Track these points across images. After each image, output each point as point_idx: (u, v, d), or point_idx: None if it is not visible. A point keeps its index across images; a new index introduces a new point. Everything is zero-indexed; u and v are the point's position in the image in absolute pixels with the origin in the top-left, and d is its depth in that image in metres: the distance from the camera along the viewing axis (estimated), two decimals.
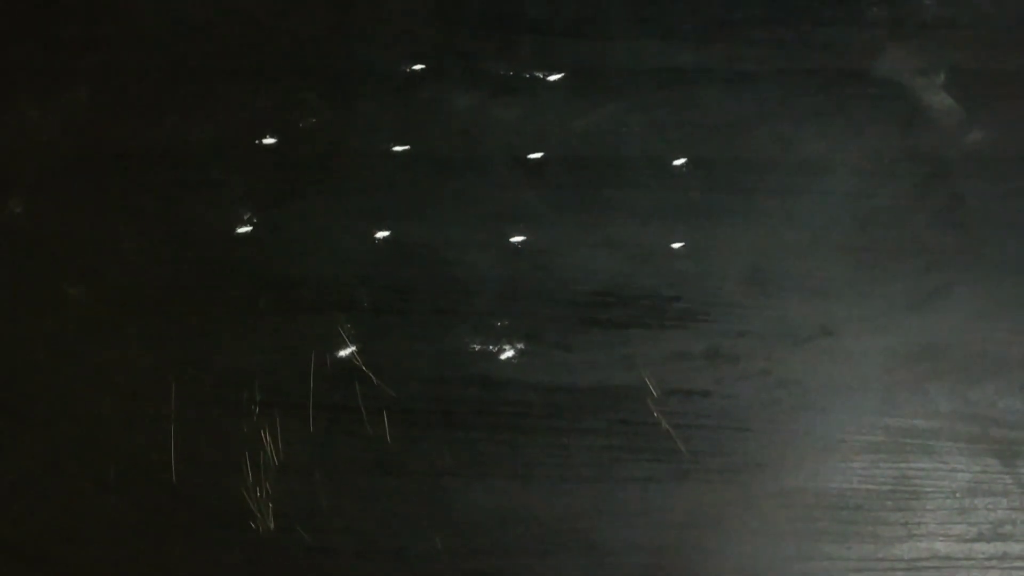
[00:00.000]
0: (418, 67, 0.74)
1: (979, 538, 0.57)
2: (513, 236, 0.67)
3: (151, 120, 0.72)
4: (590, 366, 0.62)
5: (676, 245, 0.67)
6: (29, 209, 0.68)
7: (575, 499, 0.58)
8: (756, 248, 0.67)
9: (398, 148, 0.70)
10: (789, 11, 0.78)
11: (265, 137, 0.71)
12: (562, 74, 0.74)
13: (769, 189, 0.69)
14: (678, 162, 0.70)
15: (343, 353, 0.62)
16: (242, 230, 0.67)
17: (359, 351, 0.62)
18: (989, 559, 0.56)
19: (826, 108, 0.73)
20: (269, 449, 0.59)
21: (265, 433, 0.59)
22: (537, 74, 0.74)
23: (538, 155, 0.70)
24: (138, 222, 0.68)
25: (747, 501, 0.58)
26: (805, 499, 0.58)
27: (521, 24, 0.76)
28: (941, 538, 0.57)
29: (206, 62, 0.75)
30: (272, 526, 0.57)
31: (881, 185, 0.69)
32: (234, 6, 0.77)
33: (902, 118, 0.72)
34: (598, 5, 0.77)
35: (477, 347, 0.63)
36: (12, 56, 0.75)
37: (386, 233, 0.67)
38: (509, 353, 0.62)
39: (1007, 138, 0.71)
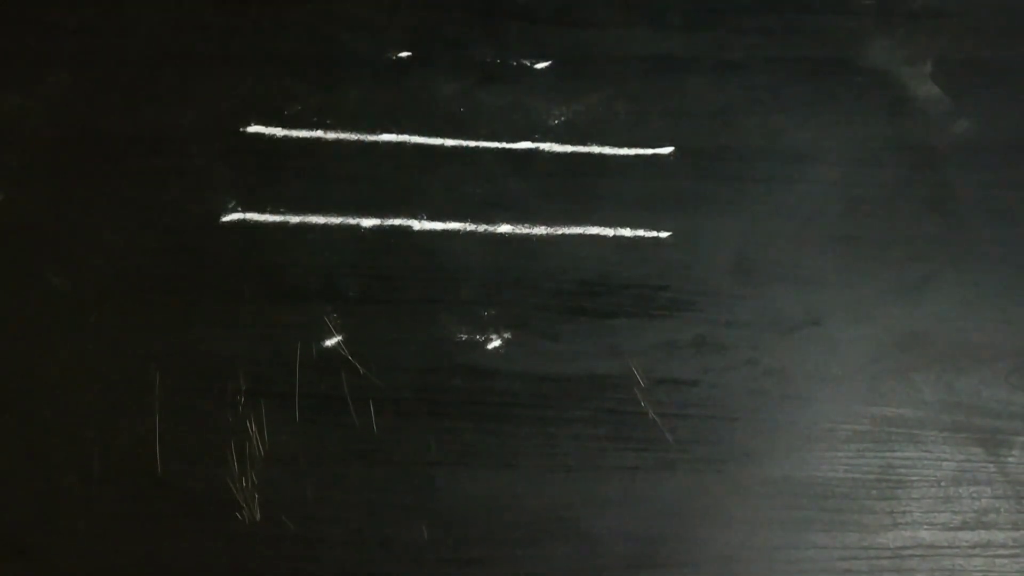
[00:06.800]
0: (404, 54, 0.74)
1: (963, 526, 0.57)
2: (500, 225, 0.67)
3: (134, 106, 0.71)
4: (577, 355, 0.62)
5: (663, 234, 0.67)
6: (10, 197, 0.68)
7: (562, 488, 0.58)
8: (743, 237, 0.67)
9: (384, 136, 0.70)
10: None
11: (249, 124, 0.71)
12: (549, 62, 0.74)
13: (756, 178, 0.69)
14: (665, 151, 0.70)
15: (329, 343, 0.62)
16: (227, 218, 0.67)
17: (345, 341, 0.62)
18: (973, 547, 0.57)
19: (814, 97, 0.73)
20: (255, 439, 0.59)
21: (251, 423, 0.59)
22: (524, 61, 0.74)
23: (525, 143, 0.70)
24: (121, 210, 0.67)
25: (733, 490, 0.58)
26: (791, 488, 0.58)
27: (508, 11, 0.76)
28: (926, 526, 0.57)
29: (190, 48, 0.74)
30: (258, 516, 0.57)
31: (868, 174, 0.69)
32: None
33: (889, 107, 0.72)
34: None
35: (464, 336, 0.62)
36: None
37: (372, 222, 0.67)
38: (496, 343, 0.62)
39: (994, 127, 0.72)
